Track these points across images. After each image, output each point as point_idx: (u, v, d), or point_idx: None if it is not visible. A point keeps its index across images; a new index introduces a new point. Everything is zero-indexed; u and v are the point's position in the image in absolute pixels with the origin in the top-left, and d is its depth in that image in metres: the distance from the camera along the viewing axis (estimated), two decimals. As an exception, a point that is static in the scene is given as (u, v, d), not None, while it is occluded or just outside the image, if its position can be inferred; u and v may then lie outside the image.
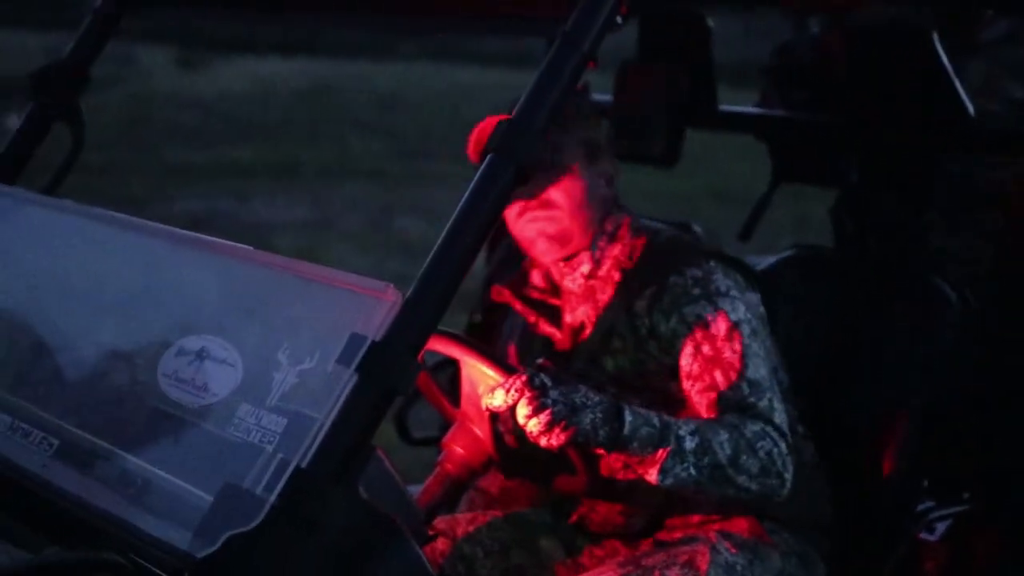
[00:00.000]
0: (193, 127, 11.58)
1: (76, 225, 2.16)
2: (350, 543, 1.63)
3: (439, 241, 1.63)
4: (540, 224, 2.26)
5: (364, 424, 1.57)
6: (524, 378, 1.99)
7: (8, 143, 2.44)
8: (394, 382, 1.57)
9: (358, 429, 1.57)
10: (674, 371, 2.24)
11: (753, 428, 2.12)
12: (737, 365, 2.17)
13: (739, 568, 2.21)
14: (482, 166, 1.64)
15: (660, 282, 2.24)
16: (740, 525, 2.28)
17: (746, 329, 2.21)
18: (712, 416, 2.16)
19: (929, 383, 2.49)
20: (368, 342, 1.57)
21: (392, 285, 1.61)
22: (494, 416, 2.18)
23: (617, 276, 2.30)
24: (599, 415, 2.02)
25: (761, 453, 2.10)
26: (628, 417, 2.04)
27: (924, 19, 2.87)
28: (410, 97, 12.89)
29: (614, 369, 2.28)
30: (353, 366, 1.57)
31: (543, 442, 2.00)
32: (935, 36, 2.92)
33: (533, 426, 1.98)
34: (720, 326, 2.20)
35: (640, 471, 2.09)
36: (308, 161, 10.47)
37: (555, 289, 2.40)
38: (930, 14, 2.92)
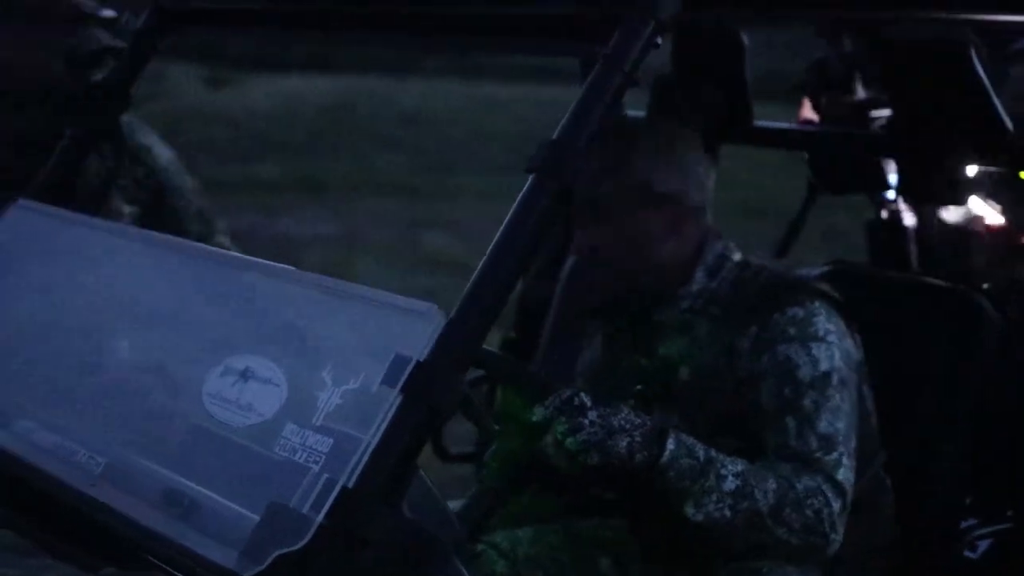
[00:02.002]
0: (221, 144, 11.65)
1: (120, 245, 2.19)
2: (395, 562, 1.64)
3: (483, 261, 1.64)
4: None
5: (409, 444, 1.58)
6: (564, 396, 1.99)
7: (51, 164, 2.47)
8: (439, 402, 1.58)
9: (404, 448, 1.58)
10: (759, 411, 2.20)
11: (808, 483, 2.09)
12: (812, 416, 2.14)
13: None
14: (527, 186, 1.65)
15: (762, 321, 2.20)
16: (812, 568, 2.27)
17: (834, 378, 2.17)
18: (772, 462, 2.13)
19: (972, 400, 2.48)
20: (413, 362, 1.59)
21: (435, 305, 1.62)
22: (532, 434, 2.18)
23: (716, 311, 2.25)
24: (637, 439, 2.01)
25: (809, 511, 2.07)
26: (670, 446, 2.03)
27: (962, 32, 2.87)
28: (434, 112, 12.94)
29: (711, 410, 2.23)
30: (398, 386, 1.58)
31: (578, 460, 2.00)
32: (972, 49, 2.91)
33: (570, 445, 1.98)
34: (806, 372, 2.16)
35: (675, 501, 2.08)
36: (334, 177, 10.52)
37: (643, 317, 2.34)
38: (967, 28, 2.91)
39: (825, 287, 2.27)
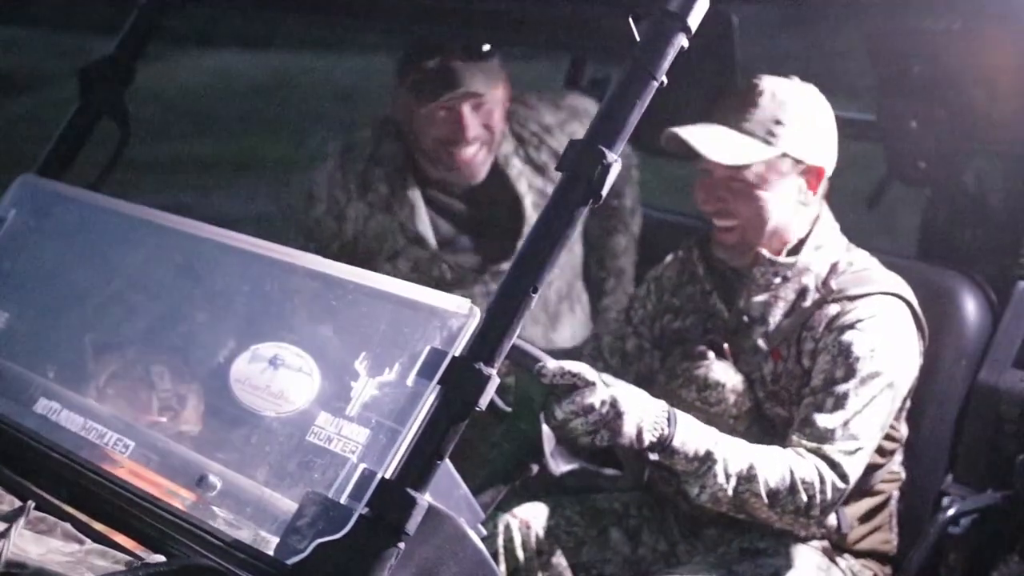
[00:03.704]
0: (152, 121, 11.44)
1: (132, 223, 2.20)
2: (423, 547, 1.69)
3: (514, 258, 1.69)
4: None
5: (444, 436, 1.63)
6: (580, 368, 2.04)
7: (56, 138, 2.49)
8: (474, 395, 1.62)
9: (438, 441, 1.63)
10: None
11: (809, 470, 2.19)
12: (850, 405, 2.23)
13: None
14: (557, 185, 1.70)
15: (843, 304, 2.31)
16: (815, 544, 2.37)
17: (885, 380, 2.27)
18: (793, 434, 2.24)
19: (957, 379, 2.58)
20: (449, 357, 1.63)
21: (470, 301, 1.67)
22: (544, 413, 2.24)
23: (808, 286, 2.36)
24: (646, 421, 2.08)
25: (803, 496, 2.17)
26: (680, 429, 2.11)
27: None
28: (371, 89, 12.77)
29: (771, 373, 2.35)
30: (435, 380, 1.62)
31: (587, 440, 2.07)
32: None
33: (579, 425, 2.05)
34: (863, 364, 2.26)
35: (681, 479, 2.16)
36: (269, 155, 10.38)
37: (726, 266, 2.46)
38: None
39: (909, 294, 2.37)
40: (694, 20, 1.72)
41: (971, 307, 2.63)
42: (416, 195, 2.81)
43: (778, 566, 2.32)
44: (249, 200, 8.59)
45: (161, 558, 1.62)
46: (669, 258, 2.65)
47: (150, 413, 2.00)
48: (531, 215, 2.81)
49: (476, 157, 2.76)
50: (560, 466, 2.21)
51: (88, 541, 1.67)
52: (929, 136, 3.03)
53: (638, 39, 1.71)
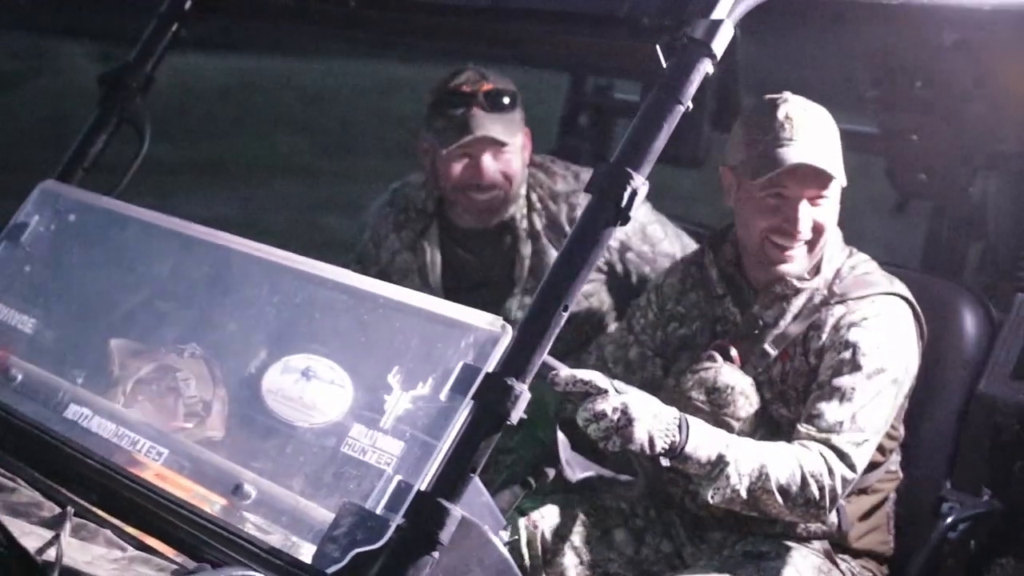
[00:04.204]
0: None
1: (166, 234, 2.24)
2: (450, 554, 1.75)
3: (545, 278, 1.74)
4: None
5: (476, 449, 1.69)
6: (592, 376, 2.10)
7: (77, 144, 2.53)
8: (507, 411, 1.68)
9: (471, 454, 1.68)
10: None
11: (817, 463, 2.25)
12: (856, 399, 2.31)
13: None
14: (585, 208, 1.76)
15: (849, 305, 2.39)
16: (816, 546, 2.44)
17: (889, 376, 2.35)
18: (801, 426, 2.31)
19: (956, 387, 2.66)
20: (483, 373, 1.69)
21: (502, 319, 1.73)
22: (561, 420, 2.30)
23: (816, 290, 2.43)
24: (658, 428, 2.14)
25: (813, 487, 2.24)
26: (692, 435, 2.17)
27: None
28: (335, 93, 12.71)
29: (779, 374, 2.42)
30: (469, 395, 1.68)
31: (600, 446, 2.13)
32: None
33: (592, 431, 2.10)
34: (868, 360, 2.33)
35: (695, 481, 2.23)
36: (232, 158, 10.29)
37: (739, 274, 2.51)
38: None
39: (909, 295, 2.45)
40: (719, 47, 1.78)
41: (970, 319, 2.71)
42: (435, 243, 3.02)
43: (781, 569, 2.39)
44: (209, 205, 8.55)
45: (205, 565, 1.66)
46: (669, 267, 2.72)
47: (176, 419, 2.04)
48: (525, 278, 2.97)
49: (493, 202, 2.92)
50: (576, 473, 2.27)
51: (130, 548, 1.72)
52: (929, 150, 3.11)
53: (664, 65, 1.77)
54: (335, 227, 8.08)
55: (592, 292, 3.00)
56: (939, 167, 3.16)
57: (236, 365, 1.99)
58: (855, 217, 2.56)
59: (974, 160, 3.17)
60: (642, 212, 2.94)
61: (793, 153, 2.33)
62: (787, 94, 2.43)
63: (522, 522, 2.45)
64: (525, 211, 2.97)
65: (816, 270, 2.45)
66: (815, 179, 2.36)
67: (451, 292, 2.98)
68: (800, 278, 2.43)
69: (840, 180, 2.39)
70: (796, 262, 2.41)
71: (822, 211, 2.38)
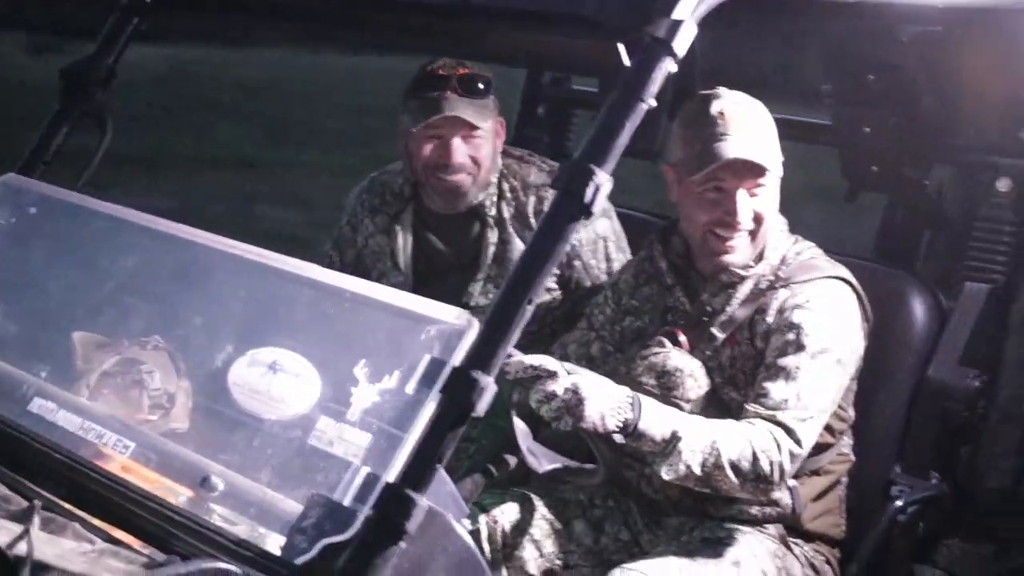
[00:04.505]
0: (47, 115, 11.05)
1: (129, 228, 2.25)
2: (416, 543, 1.77)
3: (511, 272, 1.77)
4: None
5: (443, 441, 1.71)
6: (541, 360, 2.13)
7: (40, 138, 2.53)
8: (473, 403, 1.71)
9: (438, 446, 1.71)
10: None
11: (767, 439, 2.31)
12: (801, 379, 2.37)
13: None
14: (551, 203, 1.79)
15: (793, 290, 2.45)
16: (771, 531, 2.49)
17: (833, 356, 2.40)
18: (749, 405, 2.37)
19: (905, 374, 2.72)
20: (449, 367, 1.71)
21: (468, 312, 1.75)
22: (516, 407, 2.34)
23: (762, 277, 2.49)
24: (610, 406, 2.18)
25: (764, 463, 2.30)
26: (645, 413, 2.22)
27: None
28: (274, 83, 12.61)
29: (728, 359, 2.48)
30: (436, 388, 1.71)
31: (553, 426, 2.17)
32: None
33: (545, 412, 2.15)
34: (812, 341, 2.39)
35: (648, 460, 2.28)
36: (171, 150, 10.14)
37: (688, 264, 2.57)
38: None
39: (852, 278, 2.52)
40: (681, 46, 1.81)
41: (919, 307, 2.77)
42: (408, 227, 3.07)
43: (737, 554, 2.44)
44: (148, 197, 8.45)
45: (174, 557, 1.68)
46: (624, 264, 2.78)
47: (141, 412, 2.05)
48: (488, 264, 3.02)
49: (461, 185, 2.96)
50: (543, 464, 2.31)
51: (98, 541, 1.73)
52: (882, 142, 3.17)
53: (627, 64, 1.80)
54: (276, 218, 8.04)
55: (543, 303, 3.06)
56: (891, 160, 3.23)
57: (201, 358, 2.01)
58: (806, 208, 2.62)
59: (926, 153, 3.24)
60: (601, 225, 2.99)
61: (728, 148, 2.40)
62: (721, 89, 2.50)
63: (482, 518, 2.48)
64: (495, 199, 3.02)
65: (760, 257, 2.51)
66: (751, 171, 2.42)
67: (420, 276, 3.04)
68: (745, 267, 2.49)
69: (776, 170, 2.45)
70: (739, 252, 2.48)
71: (761, 201, 2.45)
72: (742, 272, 2.49)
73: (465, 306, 2.99)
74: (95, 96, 2.58)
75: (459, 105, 2.86)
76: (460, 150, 2.91)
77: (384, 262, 3.07)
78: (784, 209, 2.54)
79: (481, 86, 2.89)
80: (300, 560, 1.65)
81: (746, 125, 2.43)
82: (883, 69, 3.10)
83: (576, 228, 1.78)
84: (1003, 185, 2.83)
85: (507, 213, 3.02)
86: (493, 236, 3.01)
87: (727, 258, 2.48)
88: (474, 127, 2.88)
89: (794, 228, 2.58)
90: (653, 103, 1.80)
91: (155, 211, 2.25)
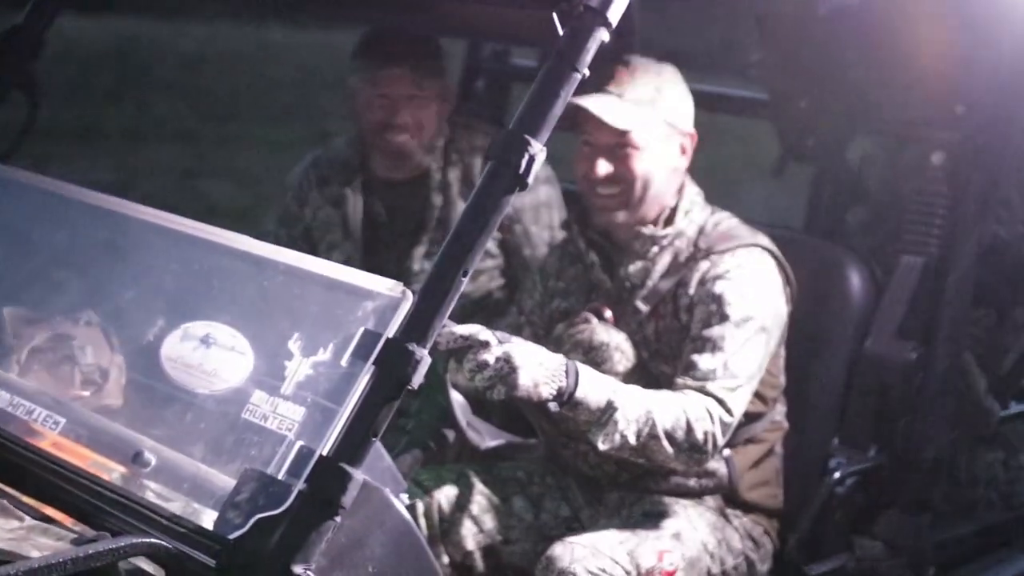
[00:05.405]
0: None
1: (62, 201, 2.21)
2: (352, 518, 1.77)
3: (445, 242, 1.76)
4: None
5: (378, 414, 1.70)
6: (468, 336, 2.13)
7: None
8: (407, 375, 1.70)
9: (373, 419, 1.70)
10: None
11: (700, 408, 2.32)
12: (727, 348, 2.38)
13: (710, 547, 2.45)
14: (484, 173, 1.78)
15: (713, 260, 2.46)
16: (710, 504, 2.51)
17: (756, 324, 2.42)
18: (678, 378, 2.38)
19: (841, 348, 2.74)
20: (383, 339, 1.70)
21: (402, 284, 1.74)
22: (450, 379, 2.33)
23: (680, 249, 2.50)
24: (543, 374, 2.17)
25: (698, 432, 2.31)
26: (581, 381, 2.22)
27: None
28: (215, 57, 12.50)
29: (653, 333, 2.48)
30: (371, 361, 1.69)
31: (487, 396, 2.16)
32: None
33: (478, 381, 2.14)
34: (735, 310, 2.41)
35: (584, 429, 2.28)
36: (110, 123, 10.05)
37: (605, 239, 2.58)
38: None
39: (772, 245, 2.53)
40: (615, 15, 1.80)
41: (855, 280, 2.79)
42: (359, 195, 3.09)
43: (678, 527, 2.45)
44: (87, 171, 8.36)
45: (105, 534, 1.66)
46: (550, 247, 2.81)
47: (73, 388, 2.02)
48: (432, 228, 3.05)
49: (405, 146, 2.99)
50: (485, 440, 2.30)
51: (27, 518, 1.70)
52: (817, 116, 3.19)
53: (561, 33, 1.79)
54: (216, 193, 7.98)
55: (485, 269, 3.06)
56: (825, 133, 3.25)
57: (134, 333, 1.98)
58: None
59: (856, 126, 3.26)
60: (544, 191, 3.00)
61: (589, 101, 2.42)
62: (634, 57, 2.53)
63: (419, 495, 2.47)
64: (441, 164, 3.04)
65: (668, 222, 2.50)
66: (610, 129, 2.44)
67: (369, 244, 3.07)
68: (638, 225, 2.50)
69: (640, 135, 2.45)
70: (621, 211, 2.50)
71: (629, 161, 2.46)
72: (644, 231, 2.50)
73: (410, 271, 2.99)
74: (23, 66, 2.53)
75: (403, 64, 2.88)
76: (404, 111, 2.93)
77: (335, 233, 3.09)
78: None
79: (426, 47, 2.91)
80: (233, 535, 1.64)
81: (627, 88, 2.45)
82: (812, 43, 3.12)
83: (510, 199, 1.77)
84: (937, 159, 2.85)
85: (453, 177, 3.03)
86: (438, 200, 3.02)
87: (608, 217, 2.51)
88: (419, 87, 2.90)
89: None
90: (586, 73, 1.80)
91: (94, 185, 2.22)
